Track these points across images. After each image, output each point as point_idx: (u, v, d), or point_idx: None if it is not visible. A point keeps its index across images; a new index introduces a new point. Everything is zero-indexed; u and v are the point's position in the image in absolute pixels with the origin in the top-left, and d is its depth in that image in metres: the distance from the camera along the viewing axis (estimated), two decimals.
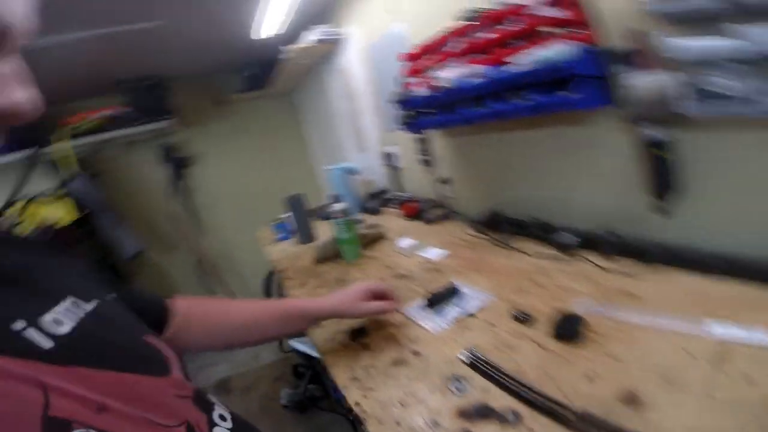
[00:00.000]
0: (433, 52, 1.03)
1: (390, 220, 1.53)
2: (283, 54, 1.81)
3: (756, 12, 0.46)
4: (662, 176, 0.69)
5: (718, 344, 0.49)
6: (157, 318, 0.51)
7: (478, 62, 0.84)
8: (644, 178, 0.77)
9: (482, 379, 0.51)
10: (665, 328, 0.55)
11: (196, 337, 0.55)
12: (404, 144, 1.62)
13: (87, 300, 0.34)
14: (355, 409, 0.50)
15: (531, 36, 0.71)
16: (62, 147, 1.95)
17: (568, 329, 0.56)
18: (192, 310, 0.57)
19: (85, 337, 0.31)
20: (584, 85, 0.65)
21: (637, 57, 0.63)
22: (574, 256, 0.86)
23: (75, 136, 1.98)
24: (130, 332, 0.37)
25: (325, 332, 0.72)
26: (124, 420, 0.28)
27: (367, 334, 0.68)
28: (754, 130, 0.58)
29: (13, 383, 0.23)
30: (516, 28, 0.73)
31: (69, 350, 0.28)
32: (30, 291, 0.31)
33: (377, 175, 1.93)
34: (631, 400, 0.43)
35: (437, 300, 0.73)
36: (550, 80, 0.67)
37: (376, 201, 1.71)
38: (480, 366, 0.53)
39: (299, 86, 2.65)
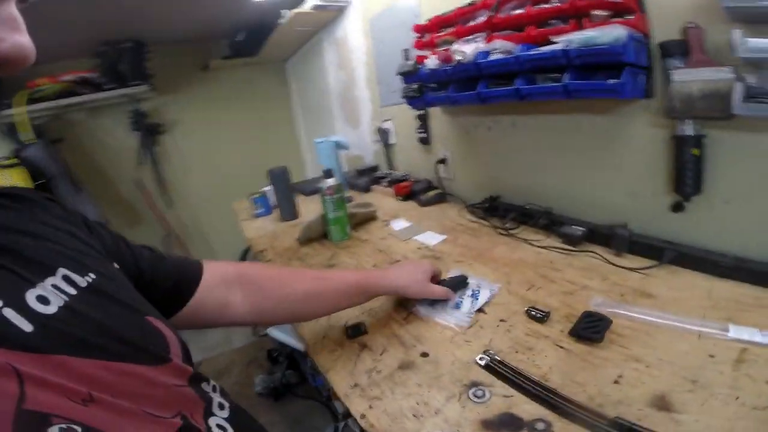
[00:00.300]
0: (450, 24, 0.96)
1: (380, 200, 1.47)
2: (281, 18, 1.69)
3: None
4: (691, 174, 0.68)
5: (739, 348, 0.50)
6: (184, 284, 0.48)
7: (507, 38, 0.78)
8: (668, 174, 0.76)
9: (503, 384, 0.48)
10: (685, 330, 0.55)
11: (244, 306, 0.53)
12: (400, 120, 1.55)
13: (82, 273, 0.31)
14: (361, 422, 0.45)
15: (575, 17, 0.65)
16: (21, 111, 1.81)
17: (592, 330, 0.54)
18: (244, 273, 0.56)
19: (73, 319, 0.28)
20: (629, 73, 0.61)
21: (689, 51, 0.60)
22: (580, 249, 0.85)
23: (37, 100, 1.86)
24: (129, 312, 0.34)
25: (315, 326, 0.67)
26: (113, 412, 0.26)
27: (365, 331, 0.63)
28: None
29: None
30: (560, 6, 0.68)
31: (52, 335, 0.26)
32: (13, 260, 0.28)
33: (367, 152, 1.86)
34: (663, 405, 0.43)
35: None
36: (592, 64, 0.62)
37: (366, 178, 1.64)
38: (500, 370, 0.50)
39: (292, 55, 2.53)
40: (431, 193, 1.34)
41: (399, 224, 1.17)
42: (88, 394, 0.25)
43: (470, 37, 0.89)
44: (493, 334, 0.59)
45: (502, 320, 0.63)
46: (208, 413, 0.34)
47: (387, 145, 1.62)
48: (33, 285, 0.27)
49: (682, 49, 0.63)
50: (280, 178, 1.32)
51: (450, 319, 0.63)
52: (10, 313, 0.25)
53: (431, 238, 1.03)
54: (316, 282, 0.60)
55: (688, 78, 0.60)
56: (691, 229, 0.75)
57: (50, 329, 0.26)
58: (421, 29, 1.07)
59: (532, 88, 0.76)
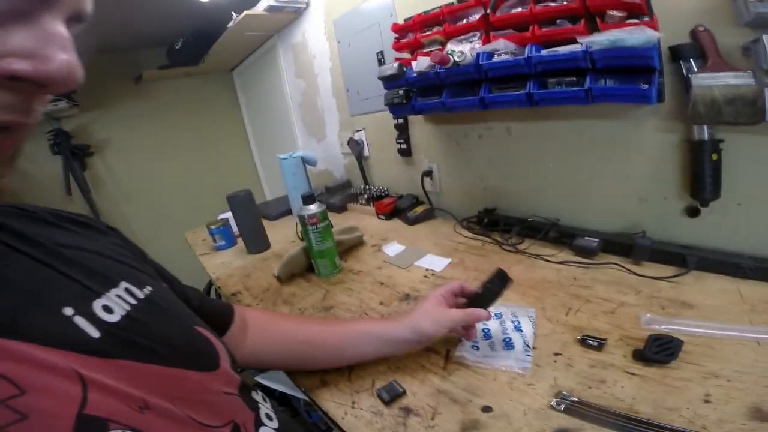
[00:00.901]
0: (437, 23, 0.94)
1: (361, 220, 1.41)
2: (231, 22, 1.59)
3: None
4: (710, 179, 0.71)
5: None
6: (218, 321, 0.54)
7: (508, 38, 0.77)
8: (680, 179, 0.79)
9: (593, 426, 0.45)
10: (743, 338, 0.56)
11: (246, 346, 0.57)
12: (374, 130, 1.50)
13: (140, 286, 0.36)
14: None
15: (586, 17, 0.66)
16: None
17: (664, 352, 0.54)
18: (254, 315, 0.62)
19: (134, 327, 0.32)
20: (652, 77, 0.62)
21: (705, 54, 0.62)
22: (598, 261, 0.86)
23: None
24: (182, 322, 0.38)
25: (337, 394, 0.58)
26: (167, 419, 0.29)
27: (403, 391, 0.56)
28: None
29: (51, 377, 0.24)
30: (568, 5, 0.68)
31: (116, 341, 0.29)
32: (83, 274, 0.32)
33: (337, 166, 1.78)
34: (763, 416, 0.43)
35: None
36: (615, 68, 0.63)
37: (339, 196, 1.56)
38: (583, 411, 0.47)
39: (240, 63, 2.42)
40: (419, 209, 1.30)
41: (392, 248, 1.11)
42: (144, 401, 0.28)
43: (463, 36, 0.88)
44: (555, 372, 0.56)
45: (556, 353, 0.60)
46: (258, 423, 0.37)
47: (360, 158, 1.55)
48: (99, 295, 0.32)
49: (696, 53, 0.66)
50: (244, 204, 1.20)
51: (508, 362, 0.58)
52: (80, 321, 0.28)
53: (435, 263, 0.98)
54: (324, 326, 0.64)
55: (710, 82, 0.62)
56: (707, 233, 0.80)
57: (115, 336, 0.30)
58: (401, 29, 1.04)
59: (548, 93, 0.75)
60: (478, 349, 0.61)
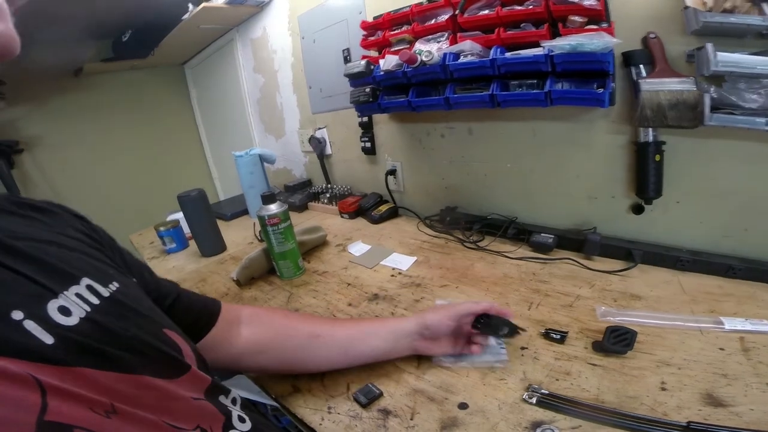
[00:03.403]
0: (406, 22, 0.93)
1: (323, 219, 1.37)
2: (186, 14, 1.47)
3: None
4: (654, 179, 0.76)
5: (737, 338, 0.57)
6: (199, 319, 0.51)
7: (476, 40, 0.77)
8: (626, 178, 0.85)
9: (565, 417, 0.46)
10: (687, 328, 0.61)
11: (243, 341, 0.55)
12: (336, 128, 1.47)
13: (105, 283, 0.33)
14: None
15: (549, 21, 0.68)
16: None
17: (622, 343, 0.56)
18: (256, 312, 0.59)
19: (94, 331, 0.29)
20: (606, 81, 0.65)
21: (653, 60, 0.67)
22: (553, 256, 0.90)
23: None
24: (148, 324, 0.35)
25: (312, 400, 0.55)
26: (135, 424, 0.27)
27: (380, 393, 0.54)
28: (744, 140, 0.67)
29: (5, 385, 0.23)
30: (534, 9, 0.69)
31: (71, 348, 0.27)
32: (40, 271, 0.29)
33: (296, 165, 1.72)
34: (715, 401, 0.46)
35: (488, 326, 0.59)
36: (574, 72, 0.65)
37: (300, 195, 1.51)
38: (555, 403, 0.48)
39: (193, 57, 2.27)
40: (383, 208, 1.29)
41: (358, 248, 1.08)
42: (111, 405, 0.26)
43: (431, 36, 0.87)
44: (523, 366, 0.57)
45: (523, 347, 0.61)
46: (228, 426, 0.36)
47: (323, 157, 1.51)
48: (56, 295, 0.29)
49: (646, 59, 0.70)
50: (196, 204, 1.11)
51: (486, 358, 0.58)
52: (30, 325, 0.26)
53: (402, 262, 0.97)
54: (332, 322, 0.61)
55: (657, 87, 0.67)
56: (650, 229, 0.86)
57: (70, 341, 0.27)
58: (370, 26, 1.02)
59: (510, 95, 0.77)
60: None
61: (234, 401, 0.40)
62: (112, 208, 2.10)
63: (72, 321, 0.28)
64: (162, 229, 1.17)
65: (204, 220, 1.14)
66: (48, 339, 0.26)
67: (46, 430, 0.23)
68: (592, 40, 0.62)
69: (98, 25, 1.78)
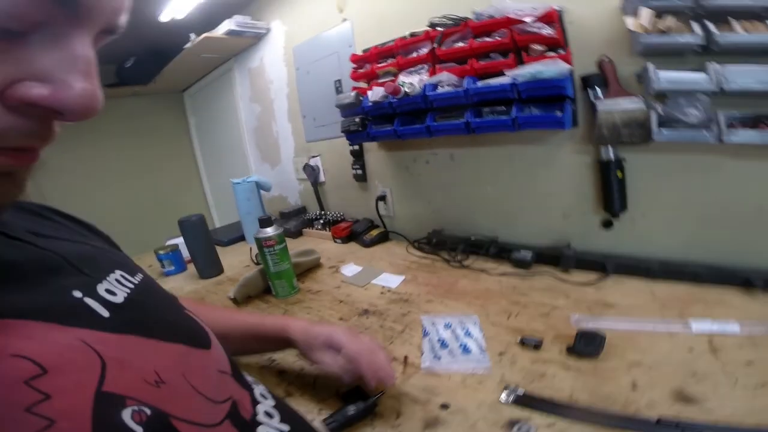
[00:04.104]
0: (391, 55, 1.01)
1: (318, 244, 1.40)
2: (188, 43, 1.56)
3: (724, 52, 0.59)
4: (618, 194, 0.82)
5: (705, 339, 0.60)
6: None
7: (450, 71, 0.86)
8: (595, 195, 0.91)
9: (541, 415, 0.49)
10: (657, 331, 0.64)
11: None
12: (329, 156, 1.54)
13: (132, 274, 0.36)
14: None
15: (514, 51, 0.76)
16: None
17: (591, 346, 0.59)
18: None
19: (137, 307, 0.32)
20: (566, 105, 0.72)
21: (607, 82, 0.74)
22: (533, 271, 0.94)
23: None
24: (173, 306, 0.39)
25: (303, 401, 0.58)
26: (178, 395, 0.28)
27: (367, 396, 0.56)
28: (694, 153, 0.74)
29: (71, 355, 0.24)
30: (500, 40, 0.78)
31: (125, 319, 0.30)
32: (81, 262, 0.32)
33: (291, 192, 1.78)
34: (685, 398, 0.49)
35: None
36: (536, 98, 0.72)
37: (295, 221, 1.55)
38: (530, 403, 0.51)
39: (192, 84, 2.35)
40: (374, 233, 1.33)
41: (349, 269, 1.12)
42: (158, 375, 0.28)
43: (413, 68, 0.96)
44: (501, 369, 0.60)
45: (501, 353, 0.64)
46: (254, 401, 0.37)
47: (316, 184, 1.57)
48: (100, 281, 0.32)
49: (601, 81, 0.77)
50: (196, 228, 1.15)
51: (470, 365, 0.61)
52: (90, 301, 0.29)
53: (391, 280, 1.01)
54: (225, 313, 0.66)
55: (611, 108, 0.74)
56: (621, 242, 0.91)
57: (123, 315, 0.30)
58: (359, 59, 1.10)
59: (482, 122, 0.84)
60: (440, 358, 0.64)
61: (255, 381, 0.42)
62: (109, 233, 2.13)
63: (119, 299, 0.31)
64: (161, 252, 1.20)
65: (203, 243, 1.18)
66: (105, 312, 0.29)
67: (103, 399, 0.23)
68: (548, 67, 0.69)
69: (103, 50, 1.87)
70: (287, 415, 0.39)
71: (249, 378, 0.41)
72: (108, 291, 0.31)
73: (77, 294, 0.28)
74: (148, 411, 0.25)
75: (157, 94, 2.32)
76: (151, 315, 0.33)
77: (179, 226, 1.14)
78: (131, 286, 0.34)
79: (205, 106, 2.34)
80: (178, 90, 2.46)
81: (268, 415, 0.36)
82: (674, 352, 0.58)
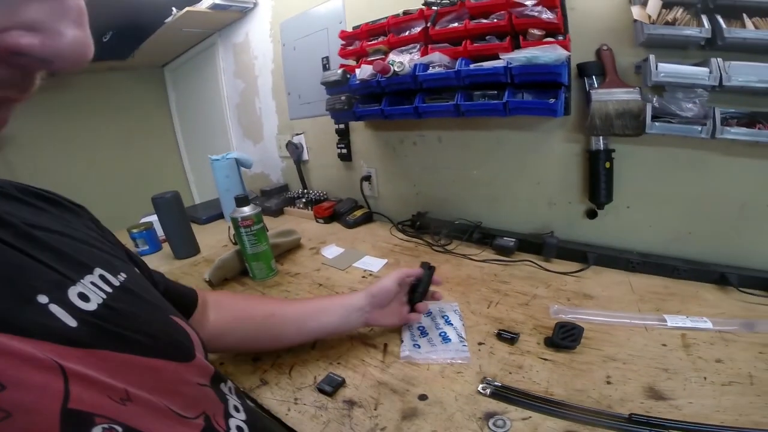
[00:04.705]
0: (382, 33, 0.96)
1: (299, 223, 1.36)
2: (170, 17, 1.45)
3: (729, 47, 0.57)
4: (605, 185, 0.81)
5: (679, 334, 0.61)
6: (183, 306, 0.51)
7: (443, 51, 0.81)
8: (581, 185, 0.89)
9: (516, 408, 0.48)
10: (633, 325, 0.64)
11: (219, 328, 0.56)
12: (314, 134, 1.48)
13: (114, 273, 0.34)
14: None
15: (512, 34, 0.72)
16: None
17: (569, 339, 0.59)
18: (218, 298, 0.60)
19: (111, 316, 0.30)
20: (560, 92, 0.69)
21: (605, 71, 0.71)
22: (515, 259, 0.93)
23: None
24: (157, 311, 0.36)
25: (278, 392, 0.55)
26: (148, 411, 0.27)
27: (344, 383, 0.55)
28: (684, 147, 0.73)
29: (30, 370, 0.22)
30: (497, 22, 0.73)
31: (93, 331, 0.27)
32: (57, 259, 0.30)
33: (273, 169, 1.72)
34: (656, 395, 0.49)
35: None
36: (530, 83, 0.69)
37: (276, 200, 1.50)
38: (507, 395, 0.50)
39: (173, 59, 2.23)
40: (358, 213, 1.30)
41: (331, 251, 1.09)
42: (125, 392, 0.26)
43: (405, 47, 0.91)
44: (480, 360, 0.59)
45: (480, 343, 0.63)
46: (227, 414, 0.36)
47: (299, 162, 1.52)
48: (74, 283, 0.29)
49: (598, 70, 0.75)
50: (171, 207, 1.09)
51: (449, 355, 0.60)
52: (55, 309, 0.26)
53: (373, 264, 0.99)
54: (285, 302, 0.65)
55: (606, 98, 0.71)
56: (603, 233, 0.91)
57: (92, 325, 0.27)
58: (348, 36, 1.04)
59: (472, 105, 0.80)
60: (419, 347, 0.62)
61: (230, 390, 0.41)
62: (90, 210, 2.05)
63: (91, 306, 0.29)
64: (135, 231, 1.14)
65: (178, 222, 1.12)
66: (72, 322, 0.26)
67: (70, 418, 0.22)
68: (545, 53, 0.66)
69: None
70: (258, 429, 0.38)
71: (227, 387, 0.40)
72: (81, 295, 0.28)
73: (42, 300, 0.26)
74: (119, 429, 0.24)
75: (135, 68, 2.20)
76: (127, 325, 0.30)
77: (153, 204, 1.08)
78: (109, 290, 0.31)
79: (186, 82, 2.23)
80: (158, 65, 2.34)
81: (240, 429, 0.36)
82: (649, 347, 0.58)
